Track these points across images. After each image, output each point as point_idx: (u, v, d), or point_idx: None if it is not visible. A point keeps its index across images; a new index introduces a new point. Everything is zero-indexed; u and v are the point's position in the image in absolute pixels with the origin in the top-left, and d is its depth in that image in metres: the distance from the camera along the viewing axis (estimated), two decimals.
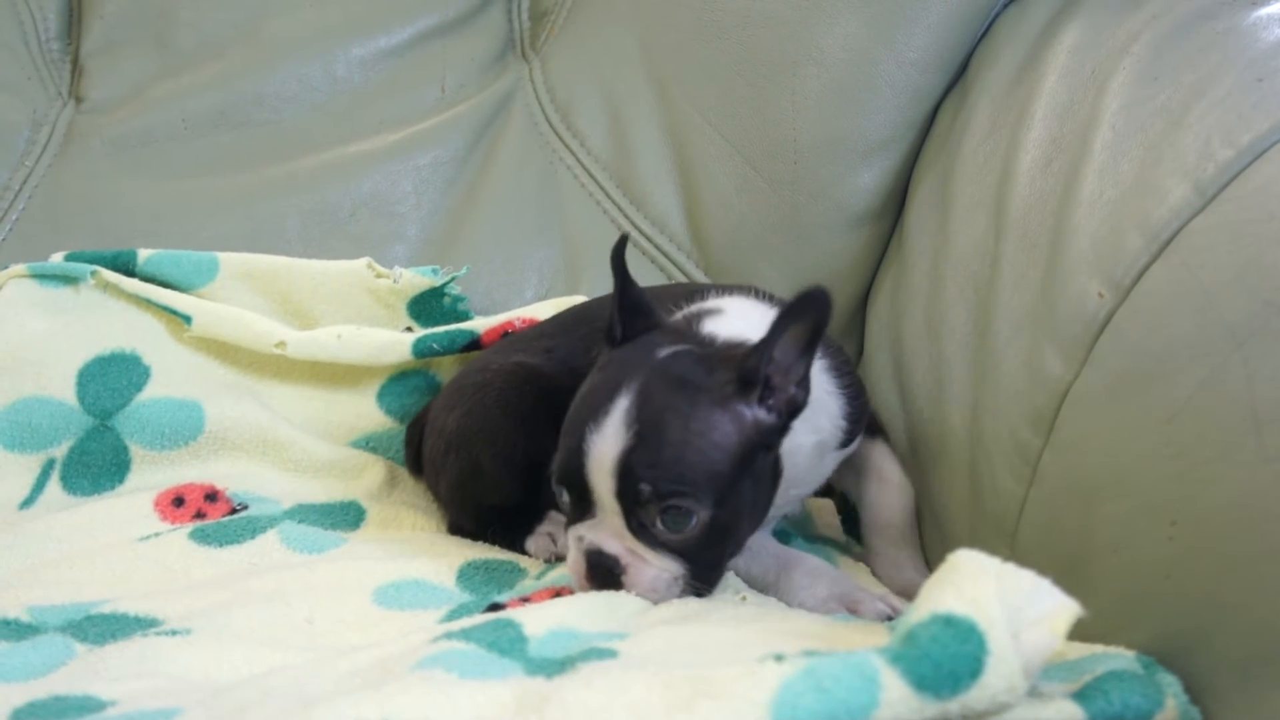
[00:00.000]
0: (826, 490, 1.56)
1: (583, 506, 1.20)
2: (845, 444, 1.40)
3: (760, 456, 1.20)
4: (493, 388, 1.45)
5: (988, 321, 1.36)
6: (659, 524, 1.16)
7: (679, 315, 1.35)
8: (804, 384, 1.20)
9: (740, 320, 1.29)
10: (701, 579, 1.20)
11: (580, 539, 1.20)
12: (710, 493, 1.16)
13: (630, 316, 1.27)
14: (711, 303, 1.35)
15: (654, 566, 1.18)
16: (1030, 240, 1.33)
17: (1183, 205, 1.15)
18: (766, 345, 1.16)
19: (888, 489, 1.44)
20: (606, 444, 1.16)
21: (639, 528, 1.17)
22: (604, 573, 1.19)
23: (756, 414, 1.19)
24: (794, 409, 1.21)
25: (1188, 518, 1.02)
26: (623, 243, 1.25)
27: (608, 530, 1.19)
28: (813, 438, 1.33)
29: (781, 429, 1.21)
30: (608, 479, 1.16)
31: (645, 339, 1.25)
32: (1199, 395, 1.03)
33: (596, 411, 1.17)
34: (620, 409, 1.16)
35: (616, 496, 1.16)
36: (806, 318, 1.16)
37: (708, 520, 1.17)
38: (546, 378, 1.45)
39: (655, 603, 1.19)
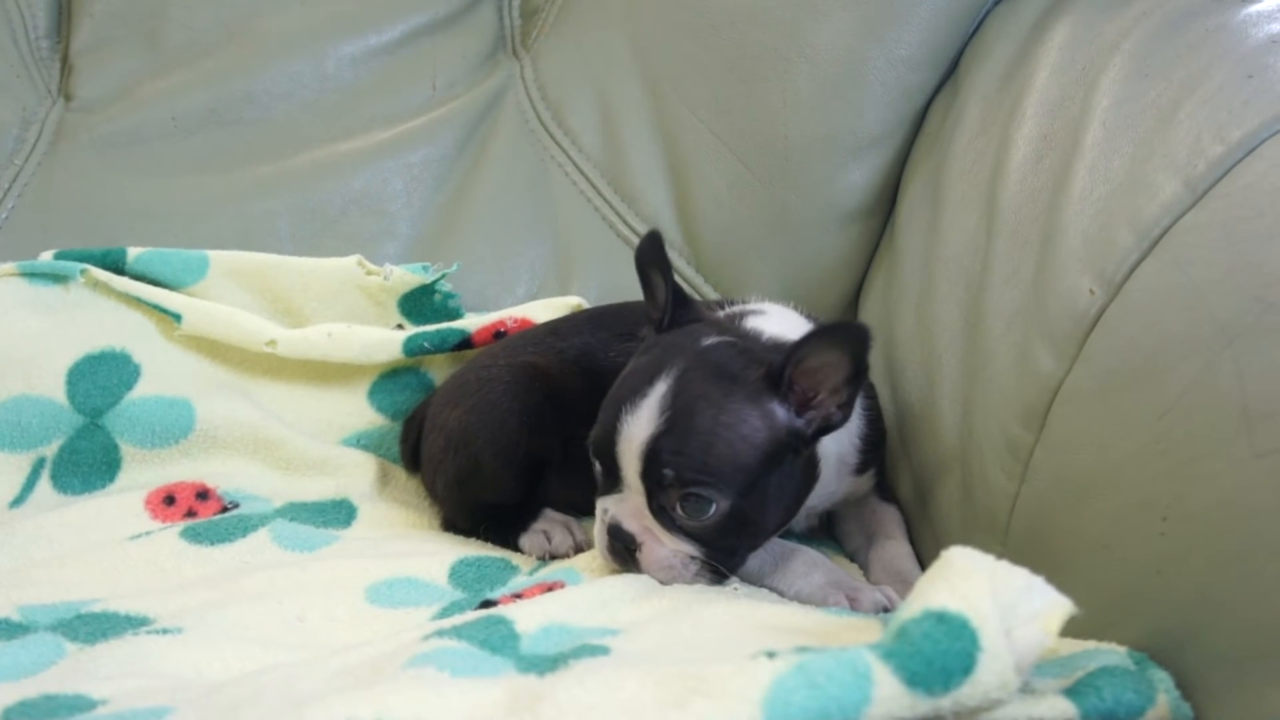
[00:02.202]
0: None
1: (611, 480, 1.24)
2: (860, 469, 1.42)
3: (789, 457, 1.23)
4: (497, 385, 1.46)
5: (979, 318, 1.36)
6: (679, 509, 1.21)
7: (721, 314, 1.39)
8: (845, 408, 1.23)
9: (784, 321, 1.34)
10: (718, 562, 1.23)
11: (605, 511, 1.25)
12: (733, 485, 1.20)
13: (677, 306, 1.32)
14: (754, 305, 1.39)
15: (666, 547, 1.22)
16: (1021, 237, 1.33)
17: (1173, 202, 1.15)
18: (793, 349, 1.19)
19: (894, 544, 1.43)
20: (638, 426, 1.20)
21: (659, 510, 1.22)
22: (621, 548, 1.24)
23: (790, 416, 1.22)
24: (827, 426, 1.24)
25: (1179, 514, 1.02)
26: (657, 236, 1.30)
27: (630, 507, 1.24)
28: (835, 450, 1.35)
29: (810, 439, 1.24)
30: (635, 460, 1.21)
31: (691, 328, 1.30)
32: (1190, 392, 1.04)
33: (634, 392, 1.22)
34: (657, 393, 1.20)
35: (641, 477, 1.21)
36: (841, 343, 1.18)
37: (727, 511, 1.20)
38: (553, 378, 1.46)
39: (666, 582, 1.22)
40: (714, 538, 1.22)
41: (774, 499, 1.25)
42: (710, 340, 1.26)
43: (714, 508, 1.20)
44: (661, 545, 1.23)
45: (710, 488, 1.19)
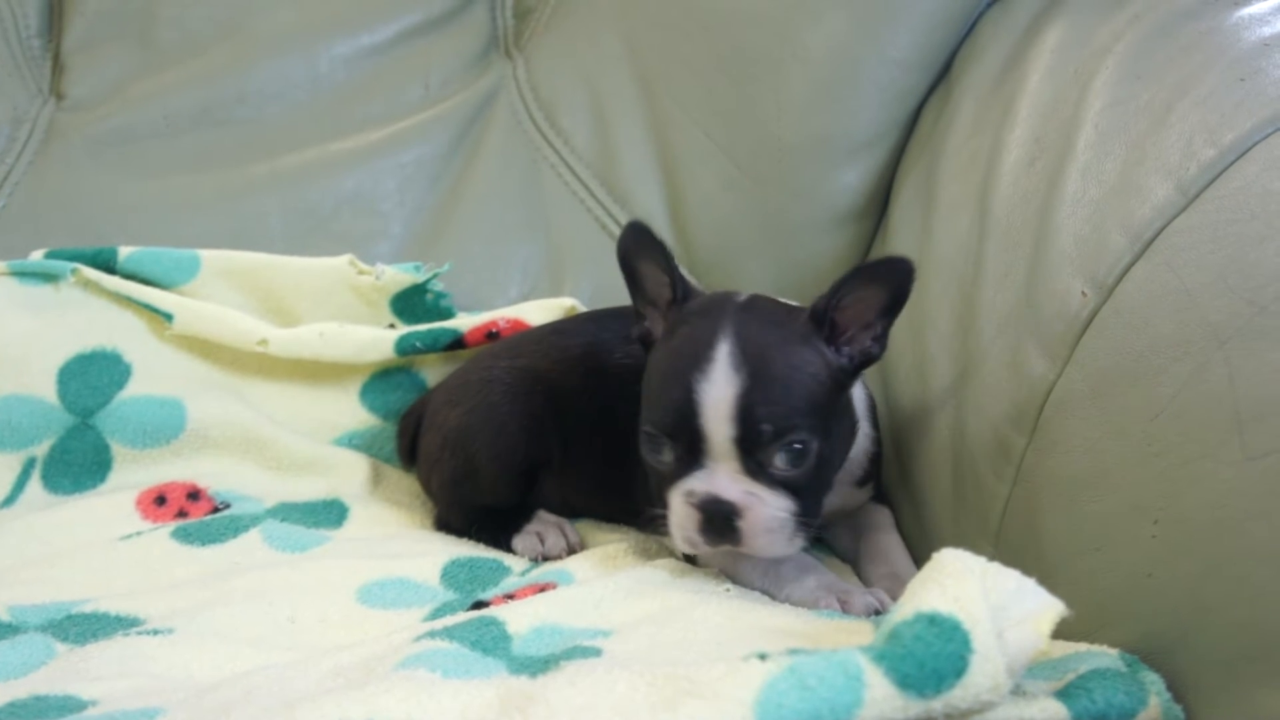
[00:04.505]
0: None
1: (691, 458, 1.20)
2: (862, 482, 1.42)
3: (842, 395, 1.25)
4: (498, 387, 1.45)
5: (971, 320, 1.36)
6: (776, 461, 1.19)
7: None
8: (880, 340, 1.25)
9: (782, 300, 1.33)
10: (808, 514, 1.22)
11: (690, 493, 1.20)
12: (817, 424, 1.20)
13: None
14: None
15: (770, 506, 1.19)
16: (1014, 239, 1.34)
17: (1165, 204, 1.15)
18: (836, 289, 1.21)
19: (886, 547, 1.42)
20: (719, 389, 1.17)
21: (756, 468, 1.19)
22: (720, 521, 1.19)
23: (834, 354, 1.23)
24: (866, 359, 1.25)
25: (1170, 516, 1.02)
26: (642, 226, 1.29)
27: (721, 477, 1.19)
28: (845, 466, 1.35)
29: (853, 373, 1.26)
30: (725, 424, 1.17)
31: (713, 295, 1.29)
32: (1181, 394, 1.04)
33: (698, 361, 1.18)
34: (724, 353, 1.17)
35: (736, 440, 1.17)
36: (884, 280, 1.21)
37: (817, 452, 1.20)
38: (555, 381, 1.45)
39: (766, 551, 1.20)
40: (806, 486, 1.21)
41: (838, 441, 1.26)
42: (743, 298, 1.26)
43: (810, 450, 1.19)
44: (765, 505, 1.19)
45: (804, 431, 1.18)
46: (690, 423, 1.18)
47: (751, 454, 1.18)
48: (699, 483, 1.20)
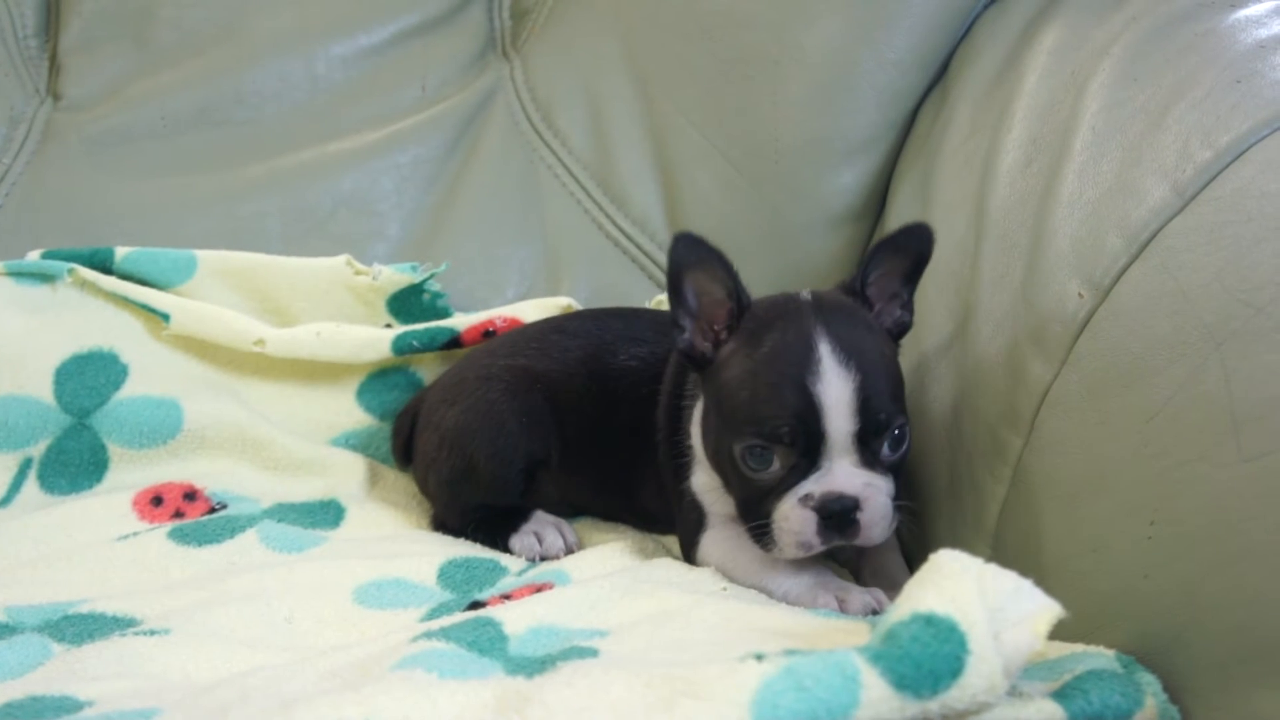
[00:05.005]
0: None
1: (806, 462, 1.20)
2: None
3: None
4: (496, 385, 1.45)
5: (967, 321, 1.36)
6: (885, 448, 1.22)
7: None
8: (908, 306, 1.31)
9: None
10: (898, 495, 1.24)
11: (808, 496, 1.20)
12: (904, 403, 1.26)
13: None
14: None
15: (882, 492, 1.21)
16: (1010, 240, 1.34)
17: (1162, 206, 1.15)
18: (866, 266, 1.26)
19: (883, 546, 1.40)
20: (836, 388, 1.19)
21: (870, 459, 1.21)
22: (840, 518, 1.20)
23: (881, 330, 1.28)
24: (901, 328, 1.30)
25: (1167, 518, 1.02)
26: (694, 237, 1.26)
27: (839, 474, 1.20)
28: None
29: (896, 344, 1.30)
30: (847, 419, 1.19)
31: (775, 299, 1.30)
32: (1178, 396, 1.04)
33: (806, 363, 1.19)
34: (826, 352, 1.20)
35: (856, 434, 1.19)
36: (908, 249, 1.27)
37: (909, 429, 1.25)
38: (553, 380, 1.45)
39: (879, 539, 1.23)
40: (900, 466, 1.25)
41: None
42: (807, 295, 1.28)
43: (907, 432, 1.24)
44: (879, 493, 1.21)
45: (904, 412, 1.24)
46: (811, 425, 1.19)
47: (867, 445, 1.20)
48: (814, 485, 1.20)
